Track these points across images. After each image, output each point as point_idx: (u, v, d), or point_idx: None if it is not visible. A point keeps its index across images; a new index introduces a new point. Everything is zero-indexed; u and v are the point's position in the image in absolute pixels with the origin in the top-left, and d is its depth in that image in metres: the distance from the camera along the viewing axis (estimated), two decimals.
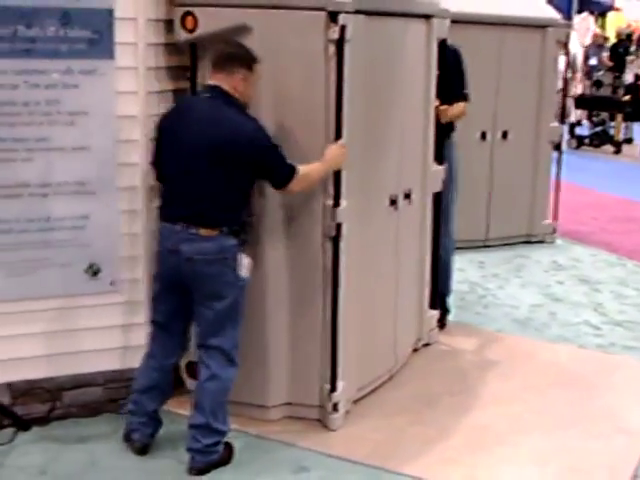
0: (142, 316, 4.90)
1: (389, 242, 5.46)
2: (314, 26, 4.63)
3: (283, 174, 4.45)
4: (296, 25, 4.66)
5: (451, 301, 6.72)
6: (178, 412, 4.81)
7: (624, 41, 18.46)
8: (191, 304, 4.46)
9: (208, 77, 4.52)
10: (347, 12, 4.61)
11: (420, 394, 5.52)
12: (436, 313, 6.34)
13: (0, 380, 4.71)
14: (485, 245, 8.86)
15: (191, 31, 4.73)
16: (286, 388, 5.03)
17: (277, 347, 4.96)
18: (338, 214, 4.78)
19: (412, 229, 5.79)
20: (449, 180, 6.33)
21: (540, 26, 8.76)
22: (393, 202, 5.36)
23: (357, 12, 4.68)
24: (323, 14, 4.60)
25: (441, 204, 6.23)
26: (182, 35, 4.76)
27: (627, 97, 15.67)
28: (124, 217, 4.79)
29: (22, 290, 4.63)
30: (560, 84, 9.95)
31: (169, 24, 4.81)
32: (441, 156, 6.06)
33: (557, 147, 9.33)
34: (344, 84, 4.66)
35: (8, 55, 4.42)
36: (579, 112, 16.62)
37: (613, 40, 19.61)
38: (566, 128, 13.66)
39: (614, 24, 24.36)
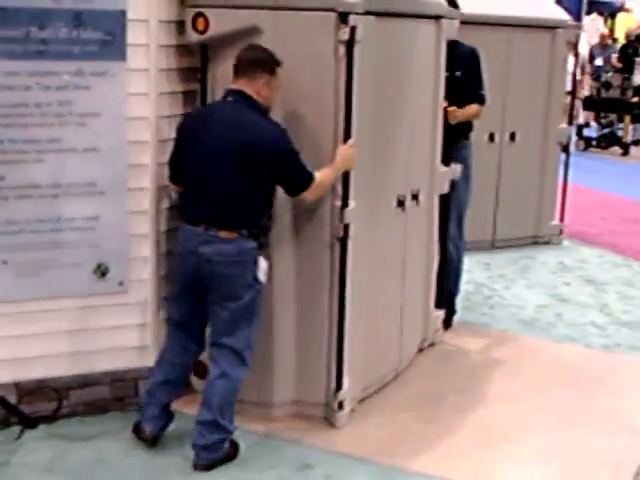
0: (150, 316, 4.91)
1: (396, 243, 5.45)
2: (324, 27, 4.63)
3: (300, 181, 4.47)
4: (306, 26, 4.66)
5: (458, 301, 6.72)
6: (184, 411, 4.80)
7: (633, 42, 18.34)
8: (208, 304, 4.48)
9: (231, 81, 4.51)
10: (357, 13, 4.60)
11: (425, 393, 5.52)
12: (442, 313, 6.32)
13: (8, 379, 4.70)
14: (492, 246, 8.83)
15: (202, 32, 4.73)
16: (292, 386, 5.03)
17: (284, 345, 4.96)
18: (346, 215, 4.77)
19: (419, 230, 5.78)
20: (464, 180, 6.33)
21: (549, 27, 8.73)
22: (401, 203, 5.35)
23: (367, 13, 4.67)
24: (333, 15, 4.60)
25: (451, 204, 6.23)
26: (193, 36, 4.76)
27: (636, 99, 15.61)
28: (133, 218, 4.78)
29: (31, 290, 4.62)
30: (569, 85, 9.91)
31: (180, 25, 4.81)
32: (449, 157, 6.03)
33: (565, 149, 9.29)
34: (354, 85, 4.65)
35: (21, 57, 4.40)
36: (586, 114, 16.56)
37: (622, 41, 19.50)
38: (574, 130, 13.59)
39: (624, 25, 24.19)
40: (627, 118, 15.76)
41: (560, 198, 9.29)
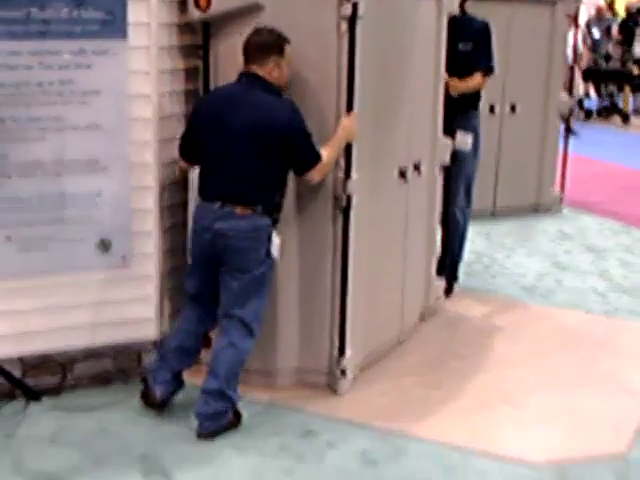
0: (153, 289, 4.87)
1: (398, 213, 5.42)
2: (326, 3, 4.57)
3: (308, 159, 4.46)
4: (308, 2, 4.60)
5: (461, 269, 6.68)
6: (189, 381, 4.76)
7: (634, 15, 18.17)
8: (220, 275, 4.47)
9: (235, 60, 4.49)
10: None
11: (427, 360, 5.48)
12: (443, 282, 6.29)
13: (12, 354, 4.67)
14: (493, 215, 8.75)
15: (204, 10, 4.66)
16: (295, 354, 5.00)
17: (287, 314, 4.93)
18: (349, 186, 4.74)
19: (421, 200, 5.73)
20: (473, 150, 6.29)
21: (550, 0, 8.61)
22: (402, 174, 5.30)
23: None
24: None
25: (460, 174, 6.24)
26: (195, 14, 4.70)
27: (636, 69, 15.50)
28: (136, 193, 4.73)
29: (34, 265, 4.59)
30: (570, 57, 9.81)
31: (181, 3, 4.74)
32: (451, 128, 5.99)
33: (566, 119, 9.21)
34: (356, 61, 4.60)
35: (22, 37, 4.34)
36: (586, 85, 16.45)
37: (623, 15, 19.31)
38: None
39: None
40: (627, 88, 15.69)
41: (560, 167, 9.21)
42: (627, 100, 15.79)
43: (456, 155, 6.04)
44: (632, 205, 9.69)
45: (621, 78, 15.83)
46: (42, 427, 4.52)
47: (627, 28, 16.98)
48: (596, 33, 16.06)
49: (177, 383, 4.69)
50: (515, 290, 6.83)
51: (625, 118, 15.59)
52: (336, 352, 4.93)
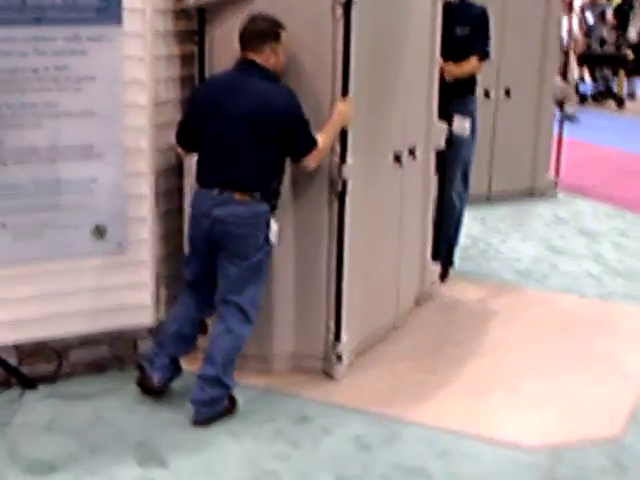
0: (149, 276, 4.81)
1: (393, 197, 5.37)
2: None
3: (304, 145, 4.42)
4: None
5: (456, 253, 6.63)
6: (186, 367, 4.71)
7: (629, 0, 18.11)
8: (218, 260, 4.44)
9: (230, 46, 4.44)
10: None
11: (422, 345, 5.45)
12: (438, 266, 6.24)
13: (7, 341, 4.61)
14: (487, 199, 8.67)
15: None
16: (291, 340, 4.96)
17: (283, 299, 4.89)
18: (344, 171, 4.71)
19: (415, 184, 5.69)
20: (470, 134, 6.25)
21: None
22: (397, 158, 5.25)
23: None
24: None
25: (457, 159, 6.21)
26: (190, 0, 4.65)
27: (630, 54, 15.44)
28: (131, 179, 4.67)
29: (29, 252, 4.53)
30: (565, 42, 9.73)
31: None
32: (447, 113, 5.94)
33: (560, 104, 9.14)
34: (351, 46, 4.56)
35: (17, 23, 4.28)
36: (581, 69, 16.39)
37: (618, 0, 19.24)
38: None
39: None
40: (622, 72, 15.63)
41: (555, 152, 9.14)
42: (622, 84, 15.73)
43: (452, 140, 6.00)
44: (626, 188, 9.62)
45: (616, 62, 15.78)
46: (38, 415, 4.48)
47: (622, 12, 16.91)
48: (590, 18, 15.97)
49: (174, 369, 4.65)
50: (510, 274, 6.79)
51: (620, 102, 15.54)
52: (332, 337, 4.89)
